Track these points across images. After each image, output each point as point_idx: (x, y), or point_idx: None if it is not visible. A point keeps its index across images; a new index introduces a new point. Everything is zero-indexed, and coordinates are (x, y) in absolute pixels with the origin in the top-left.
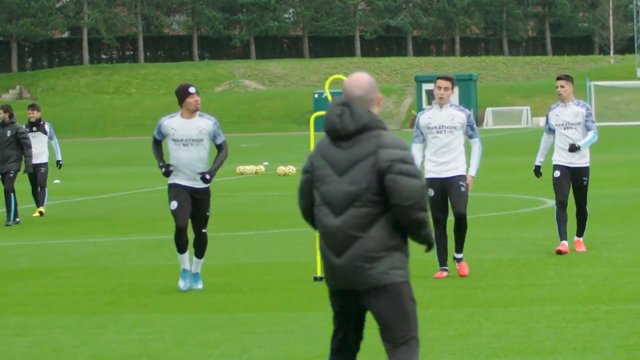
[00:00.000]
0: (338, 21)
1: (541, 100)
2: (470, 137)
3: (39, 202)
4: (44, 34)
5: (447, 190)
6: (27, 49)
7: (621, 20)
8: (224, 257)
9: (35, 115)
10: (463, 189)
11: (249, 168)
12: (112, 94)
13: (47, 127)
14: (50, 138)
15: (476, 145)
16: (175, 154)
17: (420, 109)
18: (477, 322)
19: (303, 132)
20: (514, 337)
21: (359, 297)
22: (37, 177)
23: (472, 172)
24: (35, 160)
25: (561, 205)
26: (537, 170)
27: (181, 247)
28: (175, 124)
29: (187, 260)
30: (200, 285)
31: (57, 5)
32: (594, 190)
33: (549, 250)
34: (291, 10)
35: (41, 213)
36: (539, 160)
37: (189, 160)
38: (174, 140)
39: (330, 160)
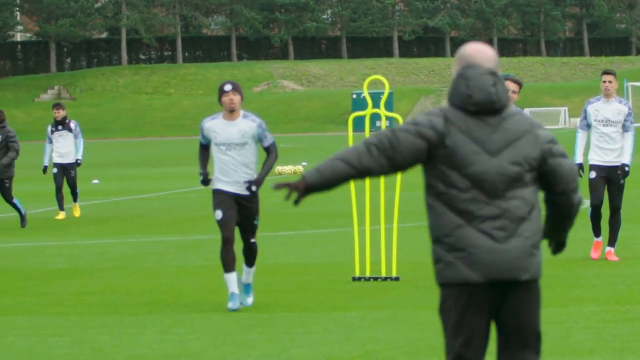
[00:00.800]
0: (376, 22)
1: (579, 101)
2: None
3: (60, 203)
4: (82, 35)
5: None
6: (65, 49)
7: None
8: (263, 258)
9: (60, 114)
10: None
11: (288, 168)
12: (150, 94)
13: (72, 125)
14: (75, 136)
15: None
16: (219, 158)
17: None
18: None
19: (341, 132)
20: (552, 338)
21: (507, 291)
22: (67, 180)
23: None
24: (63, 161)
25: (596, 208)
26: (579, 170)
27: (228, 264)
28: (216, 126)
29: (235, 281)
30: (250, 300)
31: (96, 6)
32: (629, 191)
33: (586, 251)
34: (329, 10)
35: (76, 212)
36: (579, 159)
37: (233, 165)
38: (216, 144)
39: (477, 138)
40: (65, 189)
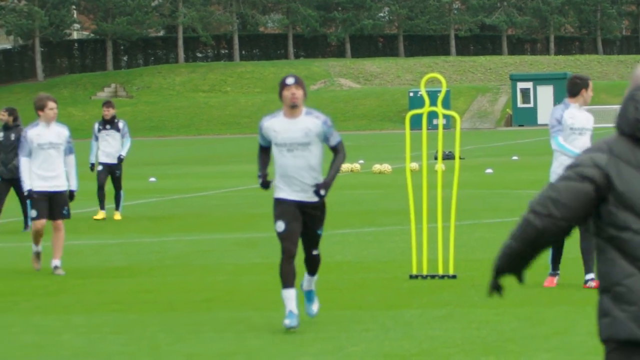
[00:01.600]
0: (433, 20)
1: None
2: None
3: (109, 204)
4: (139, 33)
5: None
6: (122, 47)
7: None
8: (322, 255)
9: (110, 112)
10: None
11: (345, 166)
12: (207, 92)
13: (121, 124)
14: (123, 136)
15: None
16: (280, 161)
17: (515, 107)
18: (572, 320)
19: (398, 130)
20: None
21: None
22: (113, 180)
23: None
24: (109, 160)
25: None
26: None
27: (287, 279)
28: (277, 125)
29: (294, 299)
30: (315, 308)
31: (153, 4)
32: None
33: None
34: (386, 9)
35: (116, 216)
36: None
37: (296, 168)
38: (276, 144)
39: None
40: (110, 191)
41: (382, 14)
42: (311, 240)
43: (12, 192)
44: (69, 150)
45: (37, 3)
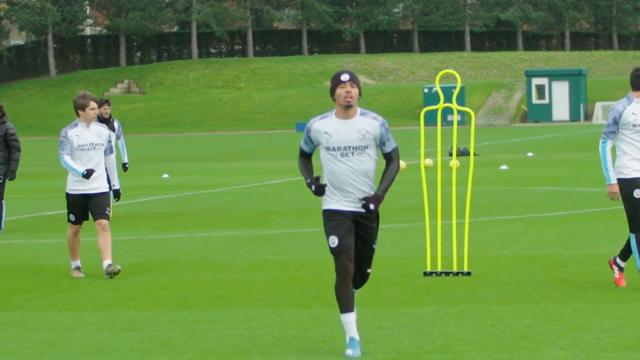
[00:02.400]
0: (448, 15)
1: None
2: None
3: None
4: (153, 29)
5: None
6: (135, 43)
7: None
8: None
9: (108, 111)
10: None
11: None
12: (221, 88)
13: (116, 124)
14: (118, 137)
15: None
16: (331, 167)
17: (530, 103)
18: (587, 317)
19: (413, 126)
20: (625, 333)
21: None
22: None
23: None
24: None
25: None
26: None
27: (347, 303)
28: (329, 126)
29: (355, 323)
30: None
31: (167, 0)
32: None
33: None
34: (401, 4)
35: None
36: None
37: (350, 174)
38: (327, 148)
39: None
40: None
41: (396, 10)
42: (365, 256)
43: (10, 190)
44: (109, 150)
45: None
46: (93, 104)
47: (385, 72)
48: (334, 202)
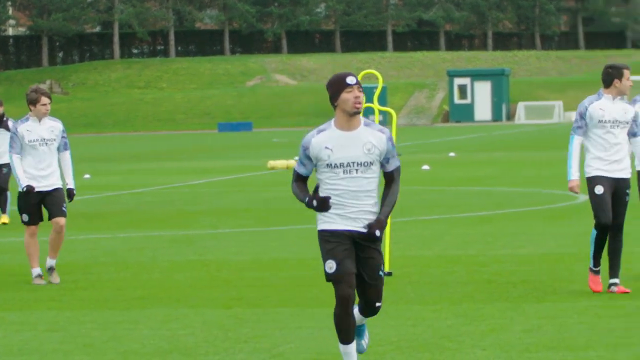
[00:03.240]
0: (370, 15)
1: (574, 95)
2: (635, 135)
3: (2, 208)
4: (75, 29)
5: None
6: (58, 43)
7: None
8: (257, 252)
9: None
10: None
11: (280, 162)
12: (143, 89)
13: (10, 123)
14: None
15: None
16: (331, 185)
17: (452, 103)
18: (509, 318)
19: None
20: (546, 333)
21: None
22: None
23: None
24: (3, 161)
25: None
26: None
27: (347, 332)
28: (330, 140)
29: (356, 355)
30: (365, 343)
31: (89, 0)
32: None
33: (582, 245)
34: (323, 4)
35: (4, 223)
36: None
37: (352, 193)
38: (329, 165)
39: None
40: None
41: (318, 10)
42: (372, 284)
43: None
44: (63, 147)
45: None
46: (45, 100)
47: (307, 72)
48: (331, 221)
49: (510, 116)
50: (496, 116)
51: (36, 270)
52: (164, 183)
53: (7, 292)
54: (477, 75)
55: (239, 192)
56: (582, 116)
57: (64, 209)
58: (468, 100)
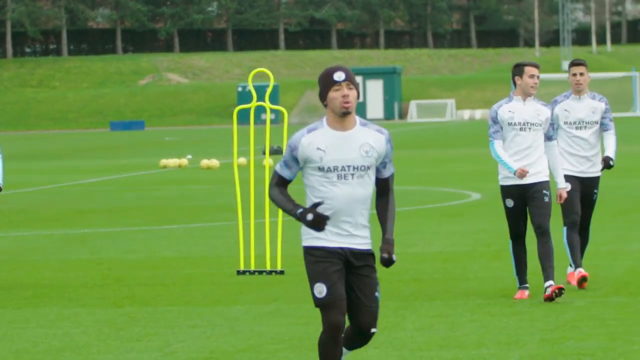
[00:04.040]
0: (262, 14)
1: (466, 93)
2: (550, 138)
3: None
4: None
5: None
6: None
7: (546, 13)
8: (147, 251)
9: None
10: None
11: (172, 161)
12: (35, 88)
13: None
14: None
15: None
16: (324, 193)
17: None
18: (401, 316)
19: (226, 125)
20: (438, 331)
21: None
22: None
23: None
24: None
25: (573, 226)
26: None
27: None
28: (322, 141)
29: None
30: None
31: None
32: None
33: (474, 244)
34: (215, 3)
35: None
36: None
37: (348, 202)
38: (320, 169)
39: None
40: None
41: (211, 8)
42: (366, 307)
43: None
44: None
45: None
46: None
47: (199, 70)
48: (321, 236)
49: (403, 115)
50: (388, 115)
51: None
52: (56, 182)
53: None
54: (369, 74)
55: (132, 191)
56: (494, 121)
57: None
58: (360, 99)
